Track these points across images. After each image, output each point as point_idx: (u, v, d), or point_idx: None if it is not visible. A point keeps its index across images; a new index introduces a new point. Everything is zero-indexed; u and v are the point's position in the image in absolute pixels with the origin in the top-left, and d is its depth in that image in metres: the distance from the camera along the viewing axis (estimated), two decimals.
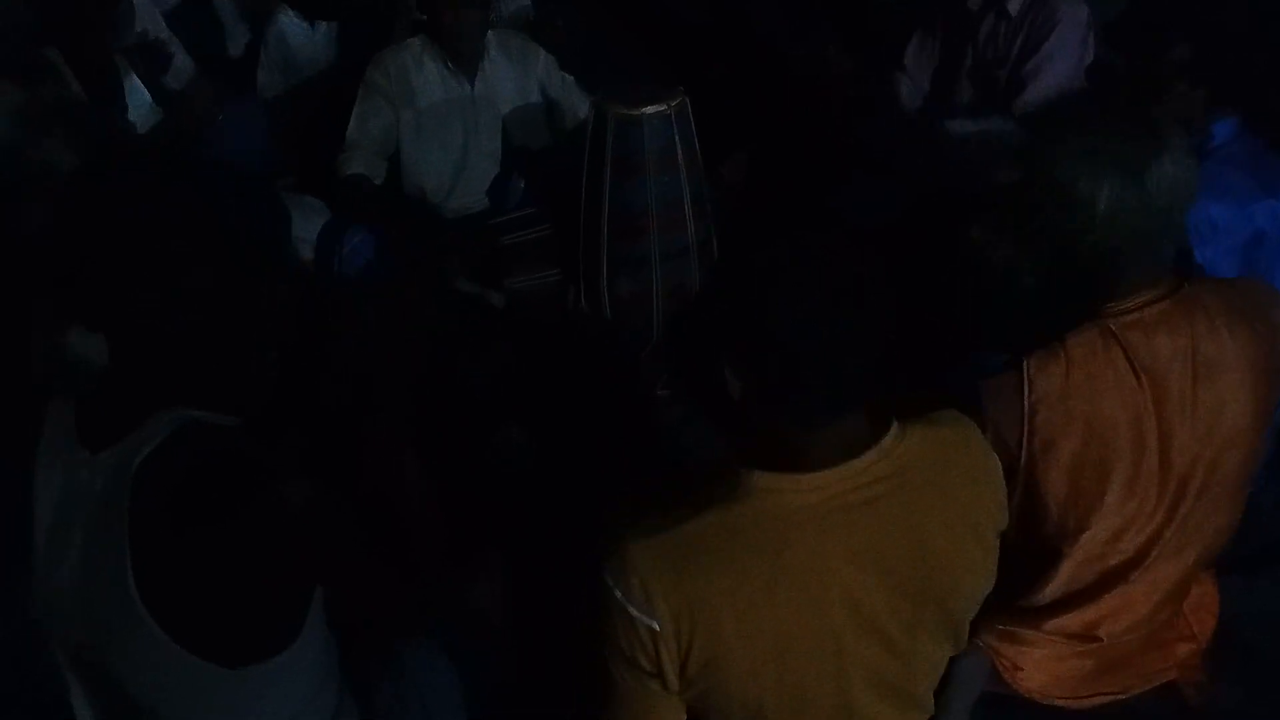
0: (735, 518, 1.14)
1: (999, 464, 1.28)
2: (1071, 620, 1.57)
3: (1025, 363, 1.45)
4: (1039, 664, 1.61)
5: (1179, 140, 1.42)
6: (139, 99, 2.96)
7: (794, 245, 1.15)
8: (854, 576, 1.16)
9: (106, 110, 2.71)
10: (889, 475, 1.17)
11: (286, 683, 1.29)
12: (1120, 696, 1.65)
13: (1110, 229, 1.39)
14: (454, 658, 1.58)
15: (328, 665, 1.37)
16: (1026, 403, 1.44)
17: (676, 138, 2.33)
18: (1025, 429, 1.44)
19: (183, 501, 1.13)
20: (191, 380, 1.21)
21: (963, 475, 1.23)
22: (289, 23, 3.41)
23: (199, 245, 1.15)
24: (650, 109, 2.30)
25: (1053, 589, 1.55)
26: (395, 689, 1.52)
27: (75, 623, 1.24)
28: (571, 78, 3.11)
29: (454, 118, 2.97)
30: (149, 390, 1.19)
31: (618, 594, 1.14)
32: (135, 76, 2.96)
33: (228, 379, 1.24)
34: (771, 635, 1.15)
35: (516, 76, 3.04)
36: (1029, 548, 1.52)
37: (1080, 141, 1.40)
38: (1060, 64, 2.54)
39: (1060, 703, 1.63)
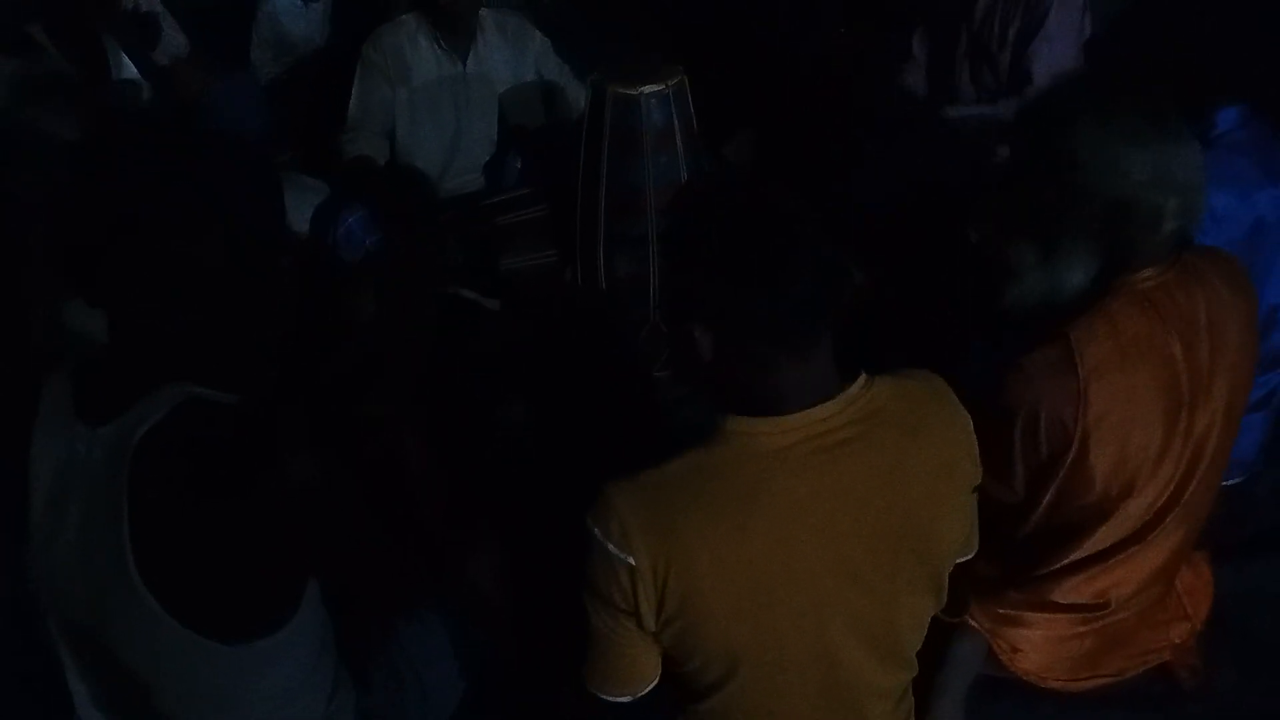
0: (711, 460, 1.18)
1: (969, 419, 1.29)
2: (1084, 586, 1.57)
3: (1070, 335, 1.42)
4: (1038, 645, 1.61)
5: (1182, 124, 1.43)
6: (127, 75, 2.92)
7: (727, 201, 1.21)
8: (828, 518, 1.18)
9: (102, 83, 2.67)
10: (860, 419, 1.20)
11: (283, 659, 1.28)
12: (1115, 679, 1.66)
13: (1148, 201, 1.40)
14: (451, 633, 1.57)
15: (324, 641, 1.36)
16: (1081, 376, 1.41)
17: (675, 117, 2.32)
18: (1081, 404, 1.42)
19: (183, 477, 1.12)
20: (192, 358, 1.20)
21: (932, 423, 1.26)
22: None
23: (201, 224, 1.14)
24: (648, 88, 2.29)
25: (1078, 553, 1.55)
26: (391, 664, 1.52)
27: (72, 597, 1.24)
28: (567, 66, 3.09)
29: (445, 96, 2.95)
30: (149, 366, 1.18)
31: (596, 533, 1.17)
32: (123, 53, 2.92)
33: (229, 358, 1.23)
34: (747, 575, 1.17)
35: (511, 56, 3.02)
36: (1061, 519, 1.52)
37: (1106, 118, 1.40)
38: (1061, 44, 2.52)
39: (1056, 685, 1.64)
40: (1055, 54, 2.52)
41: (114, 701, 1.34)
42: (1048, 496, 1.50)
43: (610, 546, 1.16)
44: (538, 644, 1.58)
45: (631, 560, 1.16)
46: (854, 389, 1.21)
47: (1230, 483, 2.02)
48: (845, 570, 1.21)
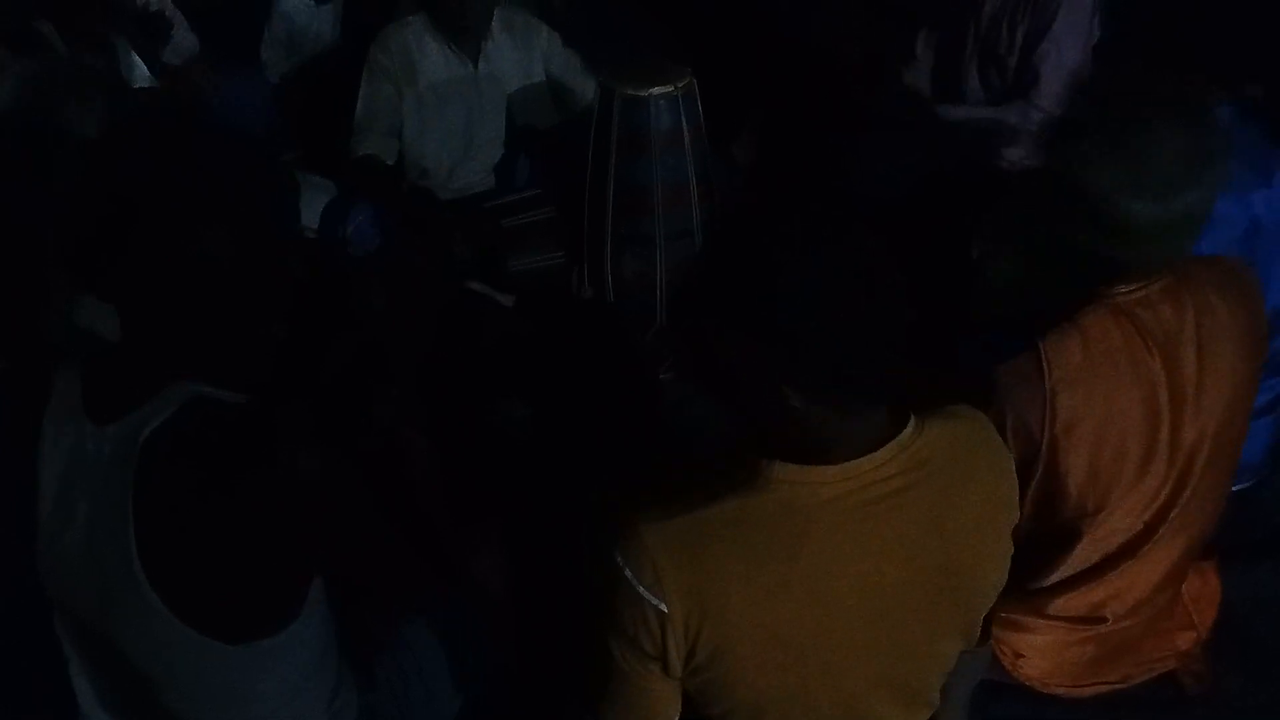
0: (754, 508, 1.12)
1: (1011, 458, 1.27)
2: (1078, 600, 1.56)
3: (1040, 345, 1.43)
4: (1041, 651, 1.61)
5: (1222, 144, 1.41)
6: (137, 74, 2.93)
7: (818, 239, 1.11)
8: (871, 573, 1.14)
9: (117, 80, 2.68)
10: (908, 469, 1.15)
11: (287, 659, 1.28)
12: (1120, 686, 1.65)
13: (1148, 243, 1.40)
14: (453, 632, 1.57)
15: (327, 641, 1.36)
16: (1047, 385, 1.41)
17: (683, 119, 2.33)
18: (1047, 412, 1.42)
19: (189, 477, 1.12)
20: (199, 352, 1.20)
21: (980, 470, 1.22)
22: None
23: (209, 217, 1.14)
24: (657, 90, 2.30)
25: (1064, 569, 1.54)
26: (394, 663, 1.52)
27: (78, 594, 1.24)
28: (576, 56, 3.07)
29: (456, 97, 2.93)
30: (157, 363, 1.18)
31: (628, 574, 1.11)
32: (133, 51, 2.93)
33: (236, 354, 1.23)
34: (783, 628, 1.13)
35: (520, 55, 3.00)
36: (1044, 531, 1.52)
37: (1127, 163, 1.37)
38: (1069, 47, 2.51)
39: (1060, 691, 1.63)
40: (1063, 57, 2.52)
41: (118, 699, 1.34)
42: (1027, 501, 1.48)
43: (641, 589, 1.10)
44: (539, 643, 1.59)
45: (664, 607, 1.10)
46: (904, 435, 1.15)
47: (1237, 488, 2.02)
48: (882, 623, 1.17)
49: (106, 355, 1.22)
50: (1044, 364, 1.42)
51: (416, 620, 1.56)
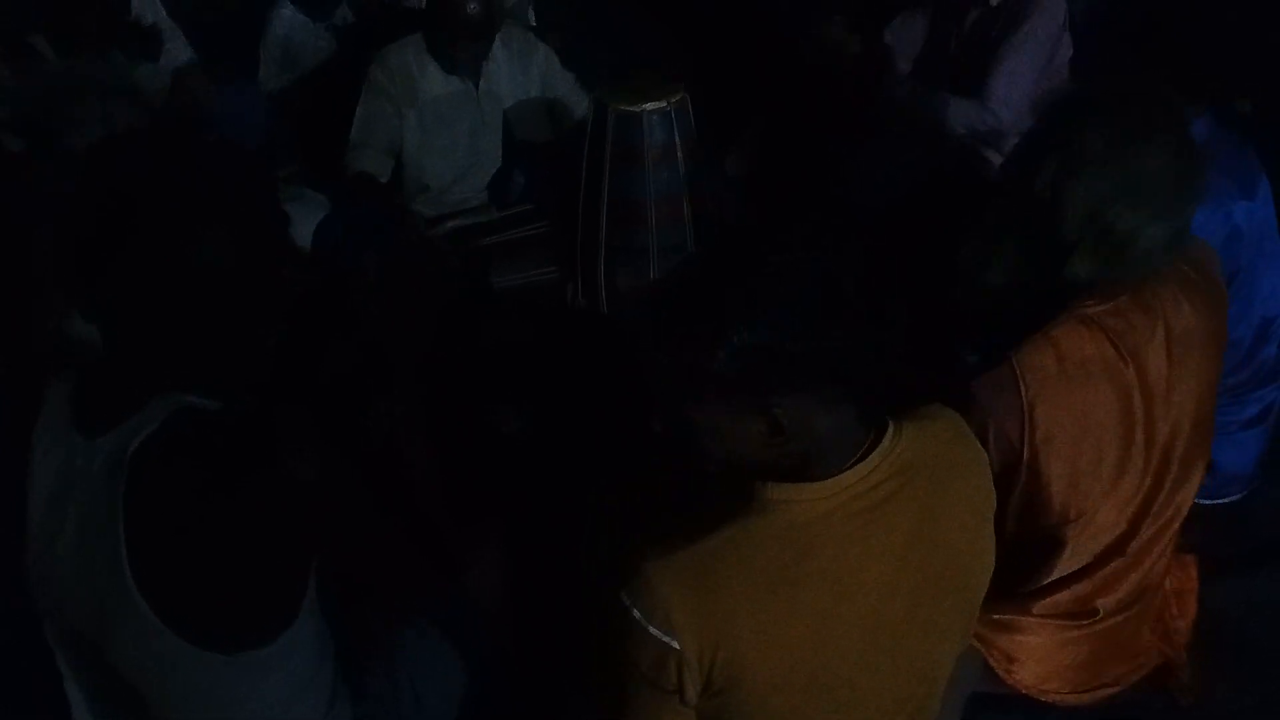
0: (753, 532, 1.12)
1: (983, 450, 1.28)
2: (1069, 597, 1.57)
3: (1014, 358, 1.44)
4: (1035, 654, 1.60)
5: (1202, 158, 1.43)
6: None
7: (817, 247, 1.12)
8: (873, 582, 1.15)
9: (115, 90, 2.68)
10: (895, 474, 1.16)
11: (281, 669, 1.28)
12: (1115, 689, 1.64)
13: (1145, 262, 1.42)
14: (449, 639, 1.57)
15: (322, 650, 1.36)
16: (1025, 397, 1.43)
17: (676, 134, 2.35)
18: (1026, 424, 1.44)
19: (178, 488, 1.12)
20: (194, 359, 1.20)
21: (959, 464, 1.23)
22: (291, 16, 3.38)
23: (208, 219, 1.14)
24: (650, 106, 2.32)
25: (1056, 572, 1.55)
26: (389, 672, 1.51)
27: (70, 605, 1.24)
28: (572, 75, 3.10)
29: (458, 115, 2.94)
30: (145, 376, 1.18)
31: (636, 614, 1.10)
32: (127, 64, 2.94)
33: (227, 364, 1.23)
34: (794, 648, 1.13)
35: (518, 73, 3.01)
36: (1031, 537, 1.53)
37: (1128, 181, 1.39)
38: (1027, 55, 2.51)
39: (1055, 698, 1.63)
40: (1016, 64, 2.51)
41: (110, 709, 1.34)
42: (1011, 509, 1.50)
43: (654, 630, 1.10)
44: (541, 644, 1.58)
45: (677, 645, 1.09)
46: (886, 442, 1.16)
47: (1230, 499, 2.03)
48: (887, 632, 1.18)
49: (97, 368, 1.22)
50: (1019, 377, 1.43)
51: (416, 622, 1.55)
